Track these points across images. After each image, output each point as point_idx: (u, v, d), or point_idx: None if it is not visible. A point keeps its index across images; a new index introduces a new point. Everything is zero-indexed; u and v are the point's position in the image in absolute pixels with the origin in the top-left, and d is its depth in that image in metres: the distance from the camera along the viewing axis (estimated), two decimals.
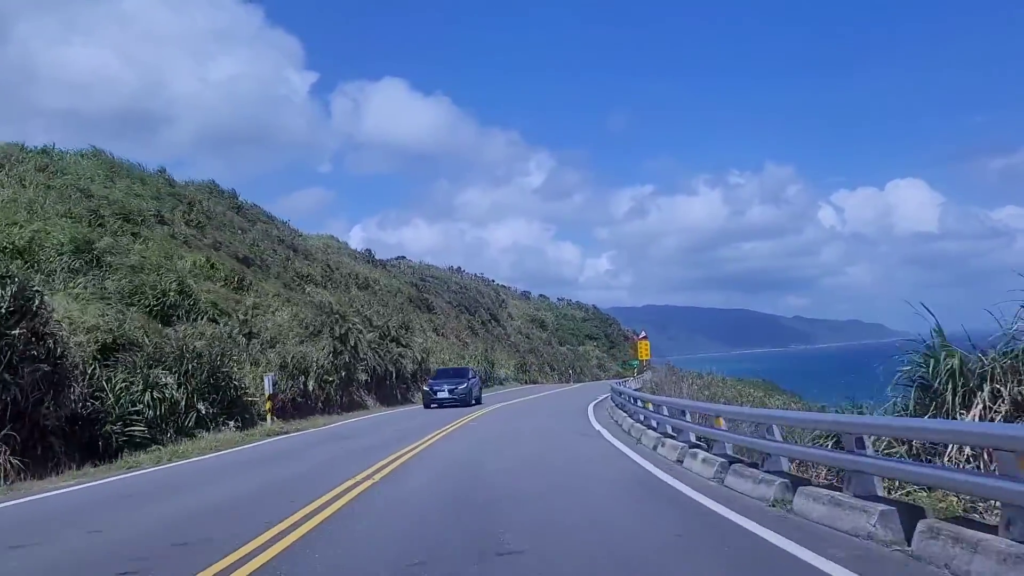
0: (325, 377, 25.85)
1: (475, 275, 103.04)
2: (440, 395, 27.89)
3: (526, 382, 57.96)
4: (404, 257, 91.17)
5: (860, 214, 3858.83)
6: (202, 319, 21.57)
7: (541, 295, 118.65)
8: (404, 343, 36.12)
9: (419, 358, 37.20)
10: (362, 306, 36.58)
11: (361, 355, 29.80)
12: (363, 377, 30.11)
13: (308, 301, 31.79)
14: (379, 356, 32.00)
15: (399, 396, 34.54)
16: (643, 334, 43.67)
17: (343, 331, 28.65)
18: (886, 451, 7.66)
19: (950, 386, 7.94)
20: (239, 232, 37.24)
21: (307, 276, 38.17)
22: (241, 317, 24.67)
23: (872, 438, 6.52)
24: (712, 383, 23.52)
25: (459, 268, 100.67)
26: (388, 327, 35.31)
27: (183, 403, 16.78)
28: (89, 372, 14.67)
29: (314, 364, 25.34)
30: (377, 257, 63.41)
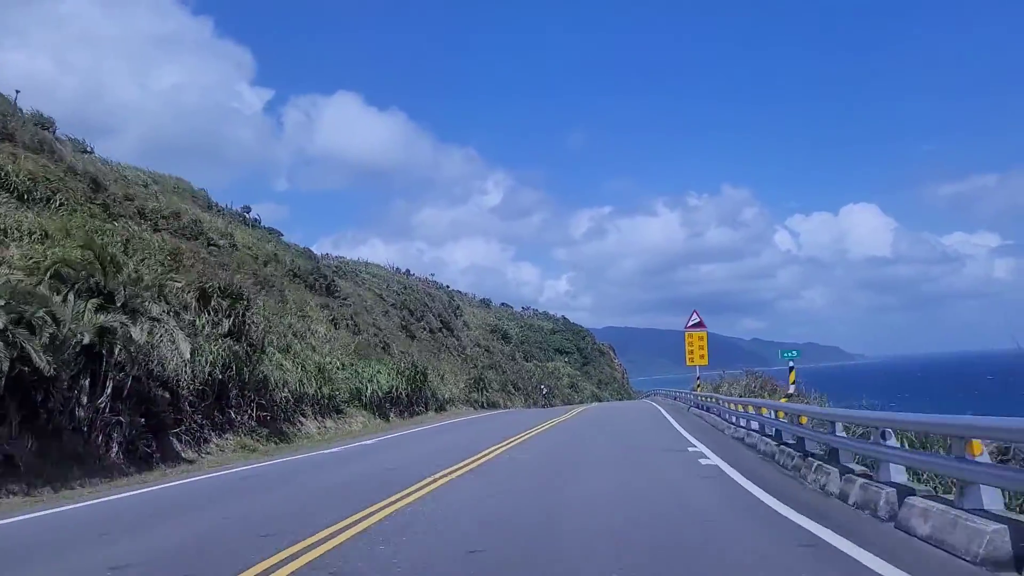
0: None
1: (425, 277, 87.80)
2: None
3: (482, 405, 43.14)
4: (342, 258, 75.50)
5: (815, 238, 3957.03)
6: None
7: (504, 303, 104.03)
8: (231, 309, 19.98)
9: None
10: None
11: None
12: None
13: None
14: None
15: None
16: (695, 319, 29.12)
17: None
18: None
19: None
20: None
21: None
22: None
23: None
24: None
25: (407, 271, 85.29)
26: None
27: None
28: None
29: None
30: (254, 218, 44.48)
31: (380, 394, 26.77)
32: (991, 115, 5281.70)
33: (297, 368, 22.42)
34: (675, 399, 39.79)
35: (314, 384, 22.10)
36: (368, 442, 19.99)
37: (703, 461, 12.32)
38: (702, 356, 28.37)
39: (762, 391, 24.59)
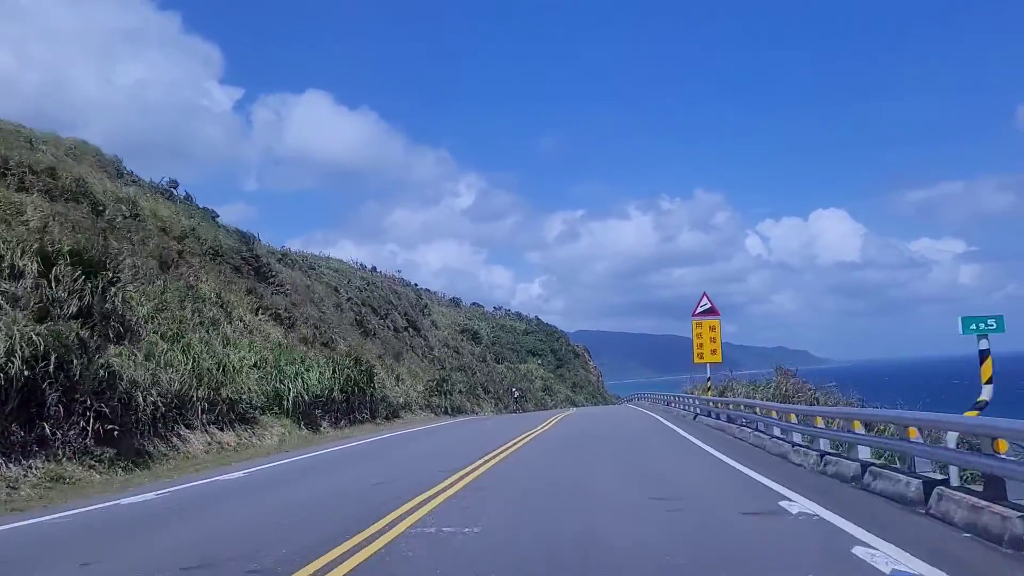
0: None
1: (392, 273, 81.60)
2: None
3: (445, 411, 37.29)
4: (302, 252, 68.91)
5: (786, 243, 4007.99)
6: None
7: (475, 303, 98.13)
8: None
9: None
10: None
11: None
12: None
13: None
14: None
15: None
16: (706, 304, 23.50)
17: None
18: None
19: None
20: None
21: None
22: None
23: None
24: None
25: (373, 268, 78.95)
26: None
27: None
28: None
29: None
30: (183, 193, 36.69)
31: (307, 398, 20.83)
32: (958, 123, 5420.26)
33: (187, 363, 16.46)
34: (668, 404, 34.42)
35: (204, 386, 16.10)
36: (267, 467, 14.16)
37: (863, 553, 5.89)
38: (714, 351, 22.91)
39: (796, 397, 19.19)
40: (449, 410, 37.64)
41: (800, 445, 11.56)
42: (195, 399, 15.96)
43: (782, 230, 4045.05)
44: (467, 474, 11.68)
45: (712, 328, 22.71)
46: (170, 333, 17.95)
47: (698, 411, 23.84)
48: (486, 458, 13.94)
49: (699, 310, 23.04)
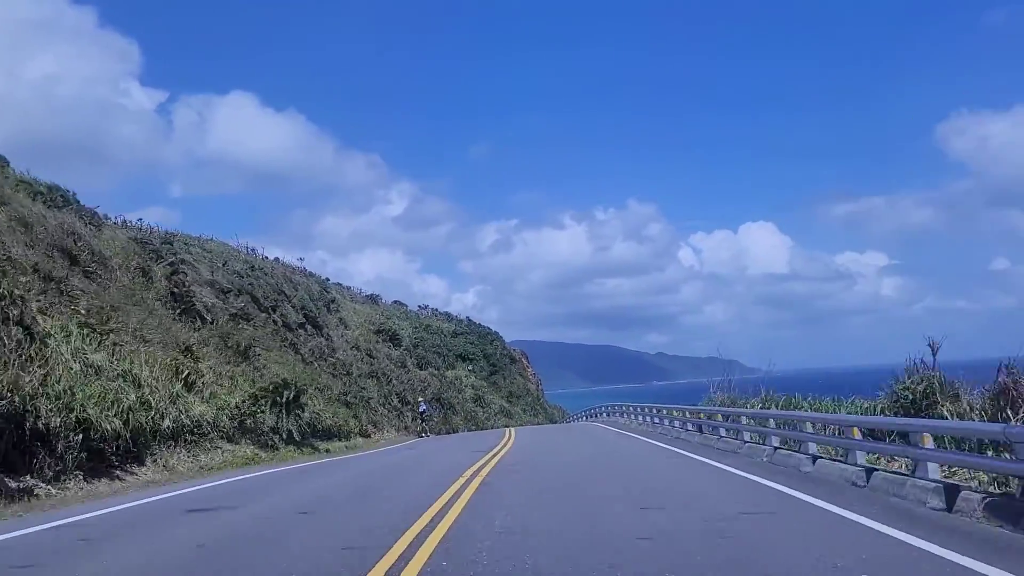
0: None
1: (293, 263, 67.97)
2: None
3: (293, 440, 24.26)
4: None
5: (716, 255, 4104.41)
6: None
7: (396, 301, 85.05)
8: None
9: None
10: None
11: None
12: None
13: None
14: None
15: None
16: None
17: None
18: None
19: None
20: None
21: None
22: None
23: None
24: None
25: (276, 258, 65.01)
26: None
27: None
28: None
29: None
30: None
31: None
32: (883, 139, 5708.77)
33: None
34: (697, 429, 21.04)
35: None
36: None
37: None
38: None
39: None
40: (297, 438, 24.07)
41: None
42: None
43: (713, 241, 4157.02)
44: None
45: None
46: None
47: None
48: None
49: None
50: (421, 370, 67.35)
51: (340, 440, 29.39)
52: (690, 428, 20.95)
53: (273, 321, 47.72)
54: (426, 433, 45.10)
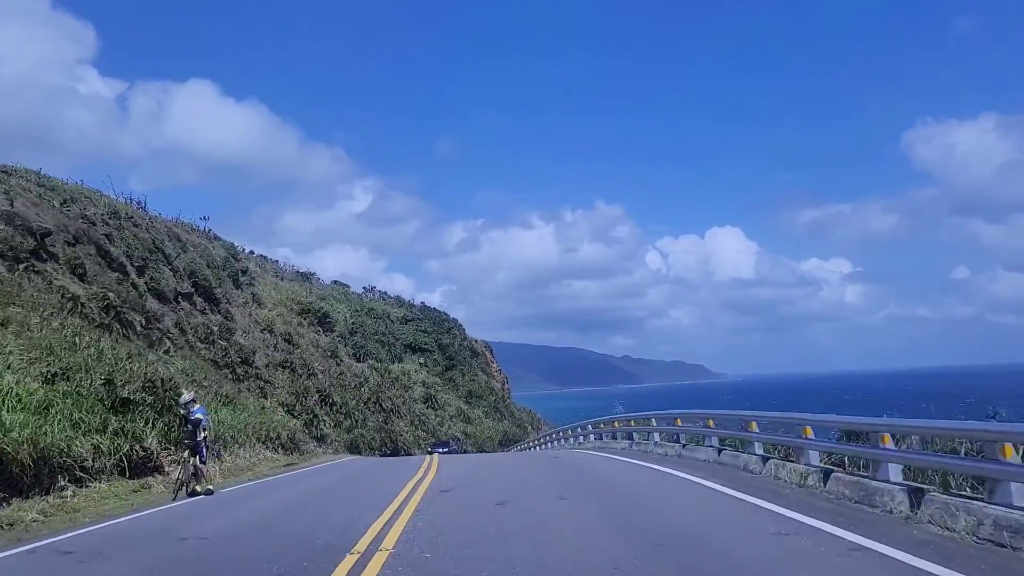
0: None
1: (196, 223, 54.01)
2: None
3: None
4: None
5: (683, 259, 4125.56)
6: None
7: (336, 281, 71.26)
8: None
9: None
10: None
11: None
12: None
13: None
14: None
15: None
16: None
17: None
18: None
19: None
20: None
21: None
22: None
23: None
24: None
25: (165, 214, 50.95)
26: None
27: None
28: None
29: None
30: None
31: None
32: (850, 145, 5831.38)
33: None
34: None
35: None
36: None
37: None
38: None
39: None
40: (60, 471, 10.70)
41: None
42: None
43: (681, 245, 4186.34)
44: None
45: None
46: None
47: None
48: None
49: None
50: (358, 363, 53.92)
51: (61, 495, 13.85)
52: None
53: (133, 285, 33.96)
54: (197, 479, 14.60)
